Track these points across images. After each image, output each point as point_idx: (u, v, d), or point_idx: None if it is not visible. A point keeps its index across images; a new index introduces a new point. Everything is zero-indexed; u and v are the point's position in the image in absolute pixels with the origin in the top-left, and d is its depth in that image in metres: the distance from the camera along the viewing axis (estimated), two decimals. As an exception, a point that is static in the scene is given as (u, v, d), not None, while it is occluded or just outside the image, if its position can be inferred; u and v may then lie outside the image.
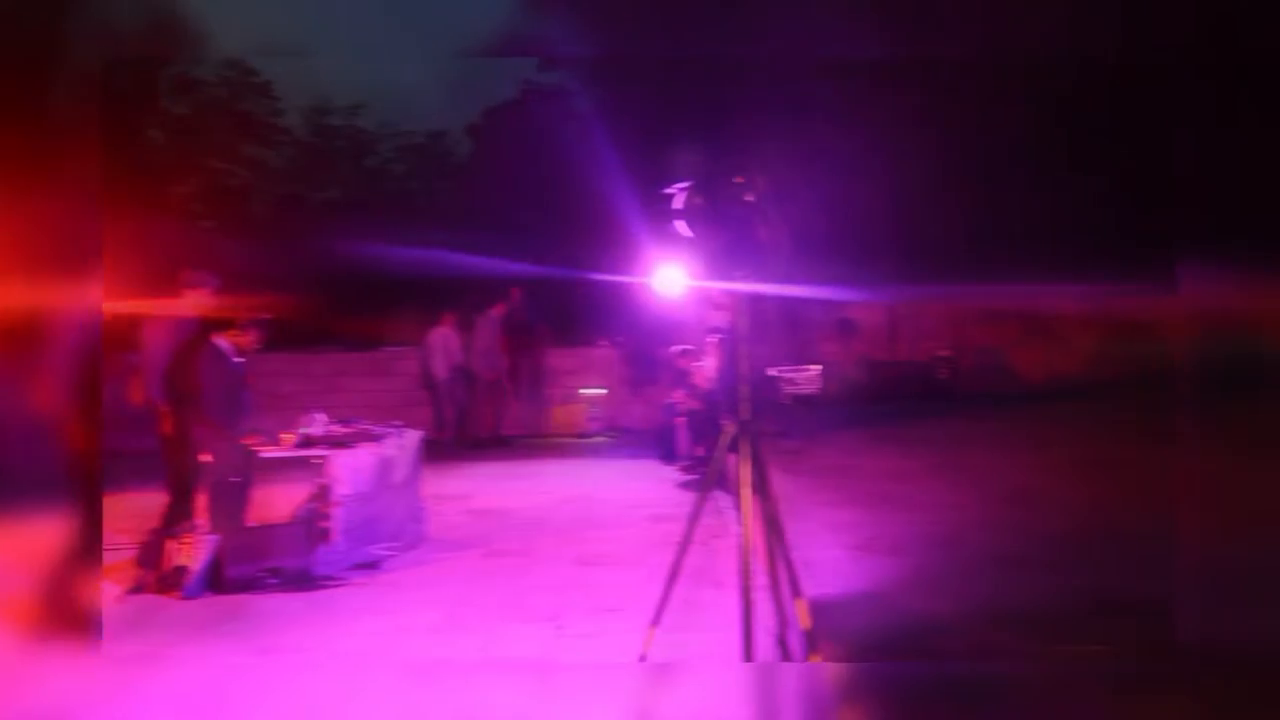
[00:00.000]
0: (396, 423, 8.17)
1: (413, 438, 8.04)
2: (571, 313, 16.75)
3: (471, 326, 14.29)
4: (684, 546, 4.03)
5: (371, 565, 7.04)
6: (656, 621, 4.10)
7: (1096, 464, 10.11)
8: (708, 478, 4.11)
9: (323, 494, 7.02)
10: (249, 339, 7.08)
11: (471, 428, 14.56)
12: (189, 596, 6.35)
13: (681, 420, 11.54)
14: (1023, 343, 18.13)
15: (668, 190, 4.07)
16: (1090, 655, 4.76)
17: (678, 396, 11.80)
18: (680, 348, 12.28)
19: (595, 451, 13.57)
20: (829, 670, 4.14)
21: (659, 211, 4.08)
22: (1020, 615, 5.30)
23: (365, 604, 6.22)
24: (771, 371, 15.45)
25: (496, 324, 14.36)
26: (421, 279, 16.58)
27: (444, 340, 14.73)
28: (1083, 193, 18.74)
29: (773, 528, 3.96)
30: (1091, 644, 4.87)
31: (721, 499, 8.31)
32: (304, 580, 6.56)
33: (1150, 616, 5.23)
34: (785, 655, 4.14)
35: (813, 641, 3.90)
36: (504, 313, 14.41)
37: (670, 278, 10.71)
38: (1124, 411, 14.87)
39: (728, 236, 3.91)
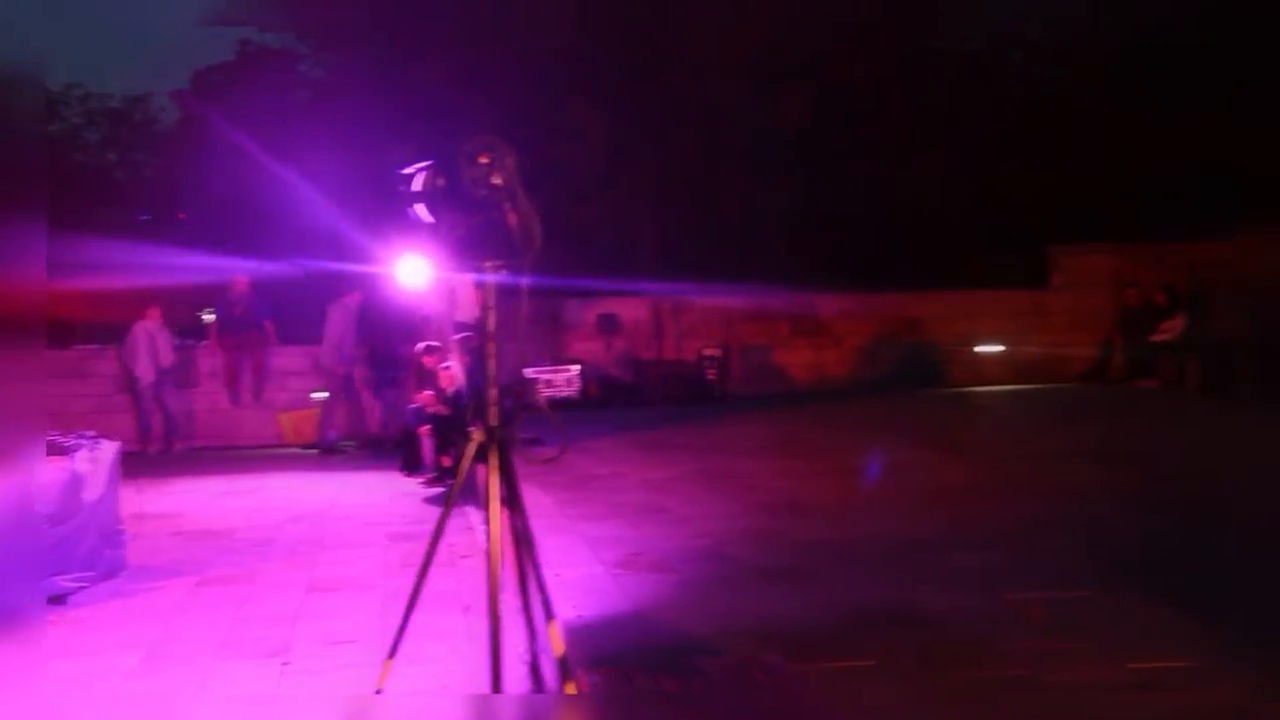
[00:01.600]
0: (89, 433, 7.77)
1: (109, 450, 7.66)
2: (301, 306, 16.30)
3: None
4: (426, 568, 4.00)
5: (58, 599, 6.64)
6: (393, 653, 4.04)
7: (862, 468, 10.61)
8: (454, 491, 4.09)
9: (-4, 518, 6.59)
10: None
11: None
12: None
13: (426, 427, 11.43)
14: (791, 342, 18.83)
15: (406, 170, 4.02)
16: (857, 671, 5.00)
17: (422, 400, 11.69)
18: (424, 346, 12.16)
19: (328, 463, 13.28)
20: (578, 700, 4.18)
21: (397, 194, 4.02)
22: (787, 631, 5.51)
23: (50, 645, 5.87)
24: (525, 372, 15.52)
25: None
26: (121, 265, 15.81)
27: (149, 337, 14.13)
28: (850, 192, 19.73)
29: (524, 545, 3.98)
30: (858, 658, 5.11)
31: (469, 514, 8.29)
32: (-27, 620, 6.15)
33: (919, 628, 5.56)
34: (538, 683, 4.17)
35: (567, 668, 3.93)
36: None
37: (411, 268, 10.63)
38: (892, 412, 15.73)
39: (474, 222, 3.89)
